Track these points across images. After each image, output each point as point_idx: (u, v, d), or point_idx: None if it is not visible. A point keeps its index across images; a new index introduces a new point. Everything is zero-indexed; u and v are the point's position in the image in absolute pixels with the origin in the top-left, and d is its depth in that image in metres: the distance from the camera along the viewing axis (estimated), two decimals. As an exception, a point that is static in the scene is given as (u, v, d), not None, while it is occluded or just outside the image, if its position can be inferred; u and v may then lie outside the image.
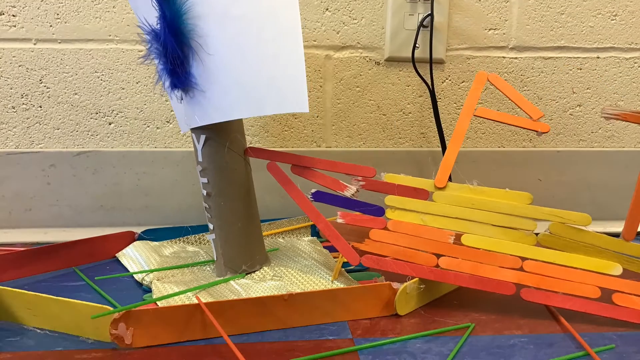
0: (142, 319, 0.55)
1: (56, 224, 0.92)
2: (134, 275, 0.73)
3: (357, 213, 0.70)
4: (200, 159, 0.68)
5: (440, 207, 0.69)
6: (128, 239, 0.82)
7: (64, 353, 0.55)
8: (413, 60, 0.91)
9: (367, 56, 0.93)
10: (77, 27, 0.88)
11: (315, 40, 0.91)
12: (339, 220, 0.69)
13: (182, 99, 0.66)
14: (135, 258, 0.77)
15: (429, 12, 0.89)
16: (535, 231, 0.67)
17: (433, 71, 0.91)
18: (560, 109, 0.97)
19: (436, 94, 0.94)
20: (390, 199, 0.70)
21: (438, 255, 0.66)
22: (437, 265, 0.65)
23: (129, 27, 0.88)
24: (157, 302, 0.62)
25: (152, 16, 0.63)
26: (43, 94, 0.89)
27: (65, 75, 0.89)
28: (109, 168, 0.91)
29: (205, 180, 0.68)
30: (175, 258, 0.77)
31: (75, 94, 0.90)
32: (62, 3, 0.87)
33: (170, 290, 0.65)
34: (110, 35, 0.88)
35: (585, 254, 0.65)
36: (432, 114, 0.93)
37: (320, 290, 0.63)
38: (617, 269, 0.64)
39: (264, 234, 0.80)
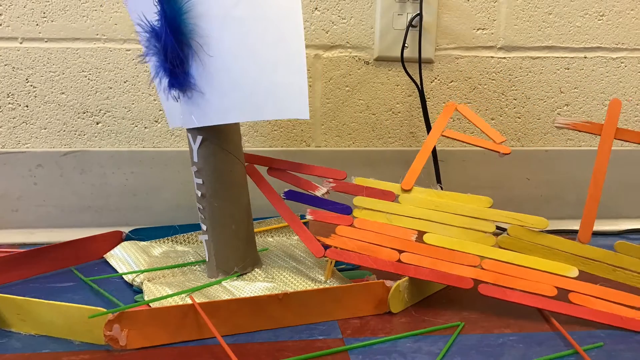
0: (136, 319, 0.55)
1: (43, 224, 0.91)
2: (123, 276, 0.72)
3: (325, 211, 0.72)
4: (195, 160, 0.67)
5: (405, 208, 0.72)
6: (116, 239, 0.81)
7: (52, 355, 0.54)
8: (402, 59, 0.91)
9: (356, 56, 0.93)
10: (64, 26, 0.87)
11: (304, 40, 0.91)
12: (308, 217, 0.71)
13: (178, 99, 0.65)
14: (124, 259, 0.76)
15: (418, 12, 0.90)
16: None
17: (422, 71, 0.92)
18: (548, 108, 0.97)
19: (425, 93, 0.94)
20: (358, 200, 0.73)
21: (400, 252, 0.67)
22: (399, 260, 0.66)
23: (116, 25, 0.88)
24: (149, 303, 0.61)
25: (150, 13, 0.61)
26: (29, 93, 0.88)
27: (52, 75, 0.88)
28: (97, 168, 0.90)
29: (200, 181, 0.67)
30: (165, 258, 0.76)
31: (63, 93, 0.89)
32: (48, 2, 0.86)
33: (162, 291, 0.65)
34: (97, 34, 0.88)
35: (543, 256, 0.67)
36: (421, 114, 0.93)
37: (314, 289, 0.62)
38: (574, 272, 0.65)
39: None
